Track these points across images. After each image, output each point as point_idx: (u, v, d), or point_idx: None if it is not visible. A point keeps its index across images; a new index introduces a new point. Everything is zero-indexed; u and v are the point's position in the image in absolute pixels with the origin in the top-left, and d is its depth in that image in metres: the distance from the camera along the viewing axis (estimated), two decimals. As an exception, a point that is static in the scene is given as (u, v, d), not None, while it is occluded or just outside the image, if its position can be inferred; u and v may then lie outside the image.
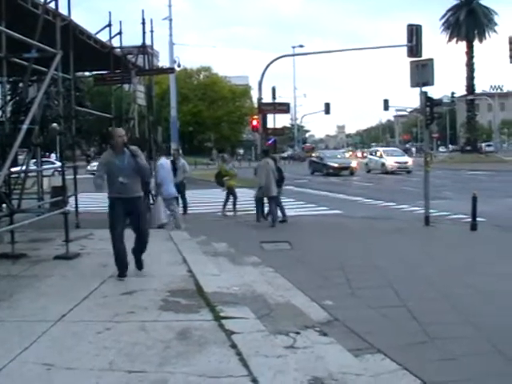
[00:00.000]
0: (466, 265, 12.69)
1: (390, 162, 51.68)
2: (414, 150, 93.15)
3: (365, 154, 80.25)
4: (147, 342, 7.16)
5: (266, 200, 20.27)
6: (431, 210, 18.97)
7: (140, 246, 10.95)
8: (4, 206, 13.10)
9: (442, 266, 12.46)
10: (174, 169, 22.62)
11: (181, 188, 22.26)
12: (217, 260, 13.06)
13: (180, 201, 22.58)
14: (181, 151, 29.94)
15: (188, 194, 23.31)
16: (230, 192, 22.78)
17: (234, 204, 22.74)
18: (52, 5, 13.48)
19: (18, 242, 13.15)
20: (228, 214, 22.47)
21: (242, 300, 9.38)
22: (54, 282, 10.50)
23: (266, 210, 20.52)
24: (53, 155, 26.64)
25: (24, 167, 15.74)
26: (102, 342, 7.13)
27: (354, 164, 53.05)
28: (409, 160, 53.24)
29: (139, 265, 11.12)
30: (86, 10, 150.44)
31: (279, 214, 20.22)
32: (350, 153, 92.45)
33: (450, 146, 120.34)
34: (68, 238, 12.97)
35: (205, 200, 28.22)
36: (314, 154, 65.36)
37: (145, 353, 6.78)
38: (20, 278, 10.78)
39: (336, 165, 50.52)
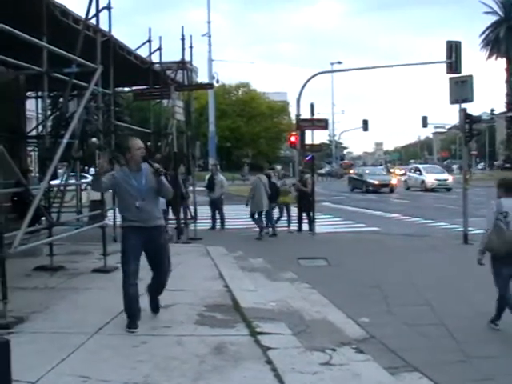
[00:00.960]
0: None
1: (430, 179, 51.24)
2: (455, 167, 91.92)
3: (402, 171, 79.50)
4: (183, 356, 7.17)
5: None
6: (470, 228, 18.76)
7: (157, 287, 9.01)
8: (43, 218, 13.20)
9: (481, 284, 12.29)
10: (212, 184, 22.73)
11: (218, 203, 22.33)
12: (253, 275, 13.05)
13: (218, 216, 22.66)
14: (219, 167, 29.96)
15: (226, 209, 23.33)
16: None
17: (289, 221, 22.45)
18: (93, 21, 13.63)
19: (57, 255, 13.26)
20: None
21: (278, 315, 9.36)
22: (92, 295, 10.57)
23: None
24: (92, 169, 26.79)
25: (63, 181, 15.89)
26: (138, 355, 7.15)
27: (394, 181, 52.75)
28: (449, 177, 52.69)
29: (154, 306, 9.13)
30: (126, 25, 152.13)
31: (270, 228, 20.82)
32: (394, 169, 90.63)
33: (494, 163, 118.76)
34: (106, 252, 13.04)
35: (242, 215, 28.23)
36: (352, 171, 65.03)
37: (180, 367, 6.78)
38: (57, 291, 10.87)
39: (376, 182, 50.28)
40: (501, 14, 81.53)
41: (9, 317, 8.48)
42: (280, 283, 12.40)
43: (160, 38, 20.34)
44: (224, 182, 23.53)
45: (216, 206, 22.47)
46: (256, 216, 20.68)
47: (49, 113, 16.77)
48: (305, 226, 21.73)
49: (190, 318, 8.92)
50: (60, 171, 17.83)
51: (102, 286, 11.36)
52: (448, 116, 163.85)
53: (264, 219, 20.90)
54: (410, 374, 7.08)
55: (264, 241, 19.74)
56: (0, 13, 8.88)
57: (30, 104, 22.40)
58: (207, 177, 24.71)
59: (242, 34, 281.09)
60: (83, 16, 13.35)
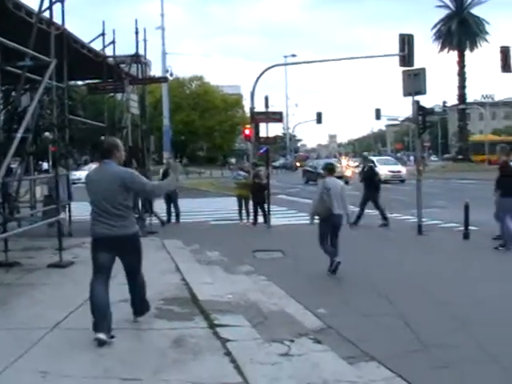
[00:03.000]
0: (459, 272, 12.74)
1: (384, 171, 51.65)
2: (412, 158, 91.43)
3: (356, 163, 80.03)
4: (142, 349, 7.21)
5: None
6: (424, 219, 19.02)
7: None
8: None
9: (436, 274, 12.49)
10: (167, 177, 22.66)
11: (173, 196, 22.27)
12: (210, 268, 13.09)
13: (173, 209, 22.62)
14: (178, 161, 29.91)
15: (180, 202, 23.30)
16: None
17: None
18: (46, 14, 13.49)
19: (12, 251, 13.14)
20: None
21: (235, 308, 9.43)
22: (49, 290, 10.52)
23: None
24: (45, 164, 26.54)
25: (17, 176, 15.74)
26: (98, 349, 7.15)
27: (348, 173, 52.99)
28: (402, 169, 53.10)
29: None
30: (79, 18, 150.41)
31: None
32: (345, 160, 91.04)
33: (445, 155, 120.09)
34: (61, 247, 12.98)
35: (197, 209, 28.24)
36: (308, 164, 65.20)
37: (140, 360, 6.80)
38: (14, 286, 10.79)
39: None
40: (452, 7, 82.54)
41: (-35, 313, 8.42)
42: (237, 276, 12.45)
43: (114, 31, 20.21)
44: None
45: (171, 199, 22.40)
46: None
47: (1, 107, 16.59)
48: (260, 219, 21.80)
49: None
50: (13, 166, 17.61)
51: (59, 280, 11.33)
52: (401, 108, 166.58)
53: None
54: (368, 363, 7.15)
55: (220, 234, 19.76)
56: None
57: (-18, 98, 22.11)
58: (161, 171, 24.60)
59: (199, 26, 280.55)
60: (36, 9, 13.21)
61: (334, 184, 12.85)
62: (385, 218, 20.53)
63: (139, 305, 8.50)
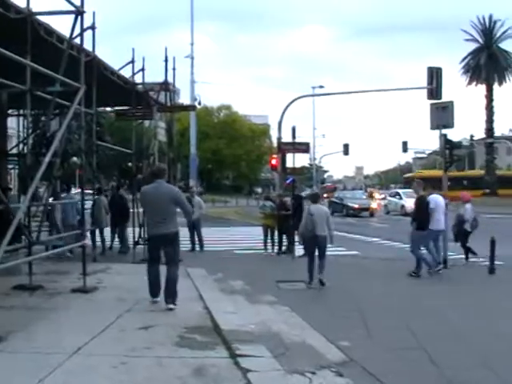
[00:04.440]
0: (483, 307, 12.58)
1: (410, 203, 51.34)
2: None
3: (382, 196, 79.82)
4: (163, 377, 7.14)
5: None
6: (449, 253, 18.82)
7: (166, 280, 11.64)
8: (23, 237, 13.12)
9: (459, 307, 12.35)
10: (190, 205, 22.65)
11: (196, 224, 22.27)
12: (233, 298, 13.02)
13: (196, 238, 22.59)
14: (200, 189, 29.93)
15: (205, 231, 23.29)
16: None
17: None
18: (77, 40, 13.63)
19: (36, 274, 13.17)
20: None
21: (257, 338, 9.33)
22: (71, 315, 10.51)
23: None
24: (72, 189, 26.74)
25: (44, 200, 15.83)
26: (118, 376, 7.11)
27: (374, 205, 52.82)
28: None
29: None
30: (110, 45, 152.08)
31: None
32: (378, 194, 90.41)
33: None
34: (85, 272, 12.98)
35: (222, 238, 28.21)
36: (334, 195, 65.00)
37: (160, 388, 6.75)
38: (37, 310, 10.79)
39: (356, 205, 50.39)
40: (481, 41, 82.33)
41: (-13, 336, 8.42)
42: (260, 306, 12.36)
43: (143, 58, 20.38)
44: (202, 204, 23.52)
45: (195, 227, 22.37)
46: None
47: (30, 131, 16.72)
48: (284, 249, 21.73)
49: (170, 339, 8.89)
50: (40, 190, 17.73)
51: (82, 305, 11.32)
52: (428, 141, 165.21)
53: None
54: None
55: (244, 263, 19.69)
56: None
57: (11, 122, 22.32)
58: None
59: (228, 56, 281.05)
60: (67, 35, 13.35)
61: (317, 210, 15.47)
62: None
63: (169, 293, 11.19)
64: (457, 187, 39.21)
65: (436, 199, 17.94)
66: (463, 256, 19.33)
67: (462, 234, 19.36)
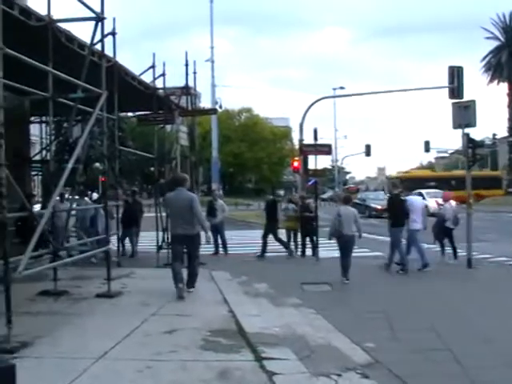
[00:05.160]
0: (509, 307, 12.48)
1: (433, 203, 51.09)
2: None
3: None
4: (188, 381, 7.15)
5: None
6: (474, 253, 18.71)
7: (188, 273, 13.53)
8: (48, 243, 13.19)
9: (485, 309, 12.26)
10: (213, 209, 22.68)
11: (219, 227, 22.30)
12: (257, 300, 13.02)
13: (219, 240, 22.60)
14: (221, 192, 29.95)
15: (228, 234, 23.31)
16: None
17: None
18: (98, 46, 13.68)
19: (61, 280, 13.25)
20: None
21: (282, 341, 9.32)
22: (96, 320, 10.55)
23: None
24: (94, 194, 26.85)
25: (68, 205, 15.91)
26: (143, 380, 7.13)
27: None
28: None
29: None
30: (130, 51, 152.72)
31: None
32: None
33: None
34: (110, 276, 13.03)
35: (245, 240, 28.18)
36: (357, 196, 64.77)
37: (185, 392, 6.75)
38: (62, 315, 10.85)
39: (379, 206, 50.08)
40: (502, 39, 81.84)
41: (13, 341, 8.47)
42: (284, 308, 12.35)
43: (164, 63, 20.41)
44: (225, 207, 23.52)
45: (217, 230, 22.38)
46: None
47: (53, 138, 16.83)
48: (308, 251, 21.70)
49: (194, 342, 8.90)
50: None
51: (107, 310, 11.36)
52: (450, 141, 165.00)
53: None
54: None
55: (268, 266, 19.68)
56: (6, 38, 8.90)
57: (34, 129, 22.46)
58: (207, 202, 24.62)
59: (248, 59, 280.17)
60: (88, 41, 13.41)
61: (346, 211, 16.35)
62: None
63: (190, 284, 13.21)
64: (476, 187, 38.81)
65: (413, 200, 18.84)
66: (449, 253, 19.88)
67: (443, 232, 19.87)
